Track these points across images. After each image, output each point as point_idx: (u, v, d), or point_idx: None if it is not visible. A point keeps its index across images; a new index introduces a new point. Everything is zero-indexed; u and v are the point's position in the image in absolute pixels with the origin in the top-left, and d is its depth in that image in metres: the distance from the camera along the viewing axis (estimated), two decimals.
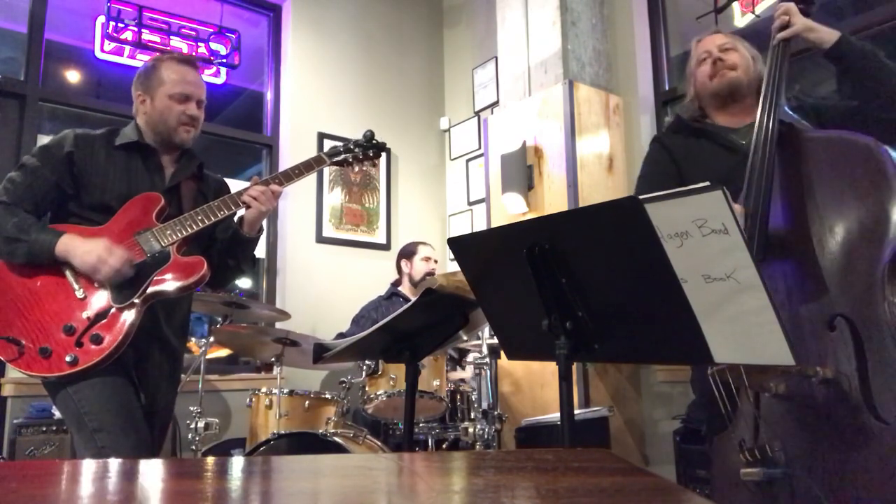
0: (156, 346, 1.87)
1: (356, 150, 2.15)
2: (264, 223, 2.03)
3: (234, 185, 2.11)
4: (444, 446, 2.89)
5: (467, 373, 3.17)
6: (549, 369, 3.12)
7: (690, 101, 1.98)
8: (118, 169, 1.86)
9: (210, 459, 0.88)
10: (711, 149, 1.86)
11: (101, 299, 1.72)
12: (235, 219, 2.00)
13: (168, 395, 1.94)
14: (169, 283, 1.77)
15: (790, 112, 1.71)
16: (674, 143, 1.95)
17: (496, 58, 4.13)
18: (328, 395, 2.85)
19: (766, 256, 1.54)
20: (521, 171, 3.45)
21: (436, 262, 3.61)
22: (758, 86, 1.82)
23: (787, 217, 1.56)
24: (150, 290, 1.75)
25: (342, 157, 2.13)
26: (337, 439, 2.49)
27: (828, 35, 1.72)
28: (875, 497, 1.31)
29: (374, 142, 2.17)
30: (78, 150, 1.83)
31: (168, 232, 1.81)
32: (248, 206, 1.91)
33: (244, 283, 4.30)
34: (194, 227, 1.83)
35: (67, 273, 1.73)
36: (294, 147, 4.07)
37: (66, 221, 1.81)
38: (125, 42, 3.74)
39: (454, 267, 1.41)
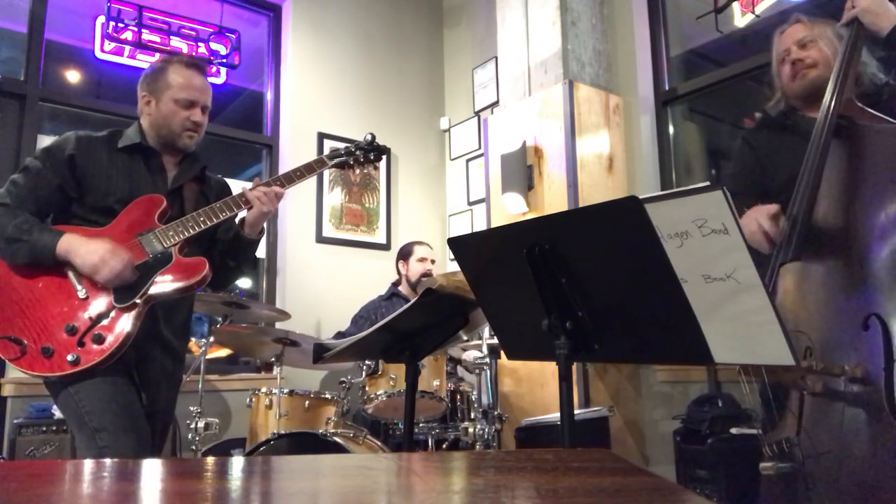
0: (157, 347, 1.87)
1: (357, 152, 2.15)
2: (265, 225, 2.03)
3: (235, 185, 2.11)
4: (444, 446, 2.89)
5: (469, 356, 3.15)
6: (549, 369, 3.12)
7: (777, 102, 1.95)
8: (120, 171, 1.86)
9: (210, 459, 0.88)
10: (795, 142, 1.82)
11: (103, 299, 1.72)
12: (237, 220, 2.00)
13: (169, 396, 1.94)
14: (171, 283, 1.77)
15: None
16: (758, 141, 1.95)
17: (496, 58, 4.13)
18: (328, 395, 2.85)
19: (811, 250, 1.51)
20: (521, 171, 3.45)
21: (432, 262, 3.60)
22: None
23: (836, 211, 1.53)
24: (152, 290, 1.76)
25: (343, 159, 2.13)
26: (337, 439, 2.49)
27: (887, 21, 1.65)
28: (889, 496, 1.31)
29: (375, 145, 2.18)
30: (80, 153, 1.83)
31: (170, 233, 1.81)
32: (249, 208, 1.92)
33: (244, 283, 4.30)
34: (196, 228, 1.83)
35: (70, 273, 1.73)
36: (294, 147, 4.07)
37: (69, 223, 1.81)
38: (125, 42, 3.74)
39: (454, 267, 1.41)
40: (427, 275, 3.47)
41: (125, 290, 1.73)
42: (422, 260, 3.55)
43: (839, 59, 1.65)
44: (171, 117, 1.89)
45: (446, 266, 4.22)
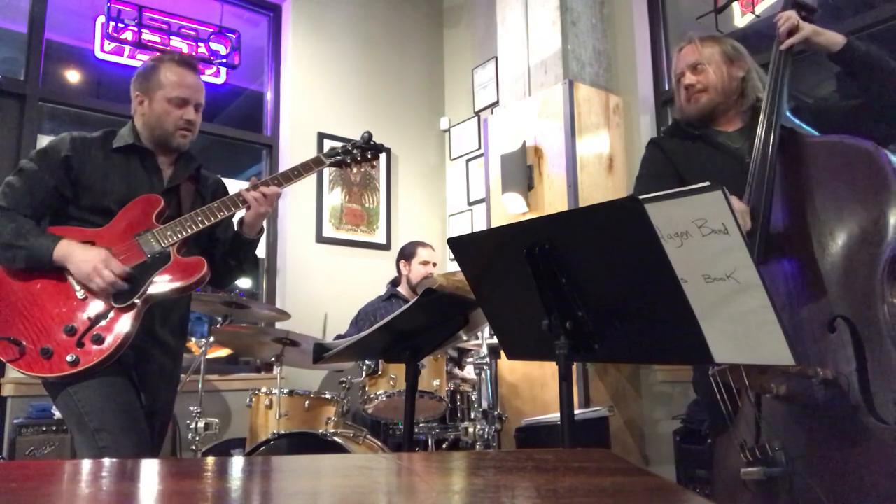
0: (155, 347, 1.87)
1: (354, 151, 2.15)
2: (264, 224, 2.03)
3: (234, 185, 2.11)
4: (444, 446, 2.89)
5: (469, 373, 3.16)
6: (549, 369, 3.12)
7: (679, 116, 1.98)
8: (116, 171, 1.86)
9: (210, 459, 0.88)
10: (707, 152, 1.87)
11: (101, 300, 1.72)
12: (235, 220, 2.00)
13: (167, 395, 1.94)
14: (169, 283, 1.77)
15: (790, 116, 1.72)
16: (670, 146, 1.95)
17: (496, 58, 4.13)
18: (328, 395, 2.84)
19: (768, 259, 1.55)
20: (521, 171, 3.45)
21: (434, 264, 3.59)
22: (740, 91, 1.84)
23: (789, 220, 1.58)
24: (151, 290, 1.75)
25: (340, 158, 2.13)
26: (337, 439, 2.49)
27: (835, 38, 1.73)
28: (874, 495, 1.32)
29: (372, 143, 2.18)
30: (75, 154, 1.82)
31: (168, 233, 1.81)
32: (247, 207, 1.92)
33: (244, 283, 4.30)
34: (194, 227, 1.83)
35: (68, 274, 1.73)
36: (294, 147, 4.07)
37: (66, 224, 1.81)
38: (125, 42, 3.74)
39: (454, 267, 1.41)
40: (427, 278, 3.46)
41: (124, 290, 1.73)
42: (424, 263, 3.54)
43: (771, 79, 1.70)
44: (164, 117, 1.89)
45: (446, 266, 4.22)
